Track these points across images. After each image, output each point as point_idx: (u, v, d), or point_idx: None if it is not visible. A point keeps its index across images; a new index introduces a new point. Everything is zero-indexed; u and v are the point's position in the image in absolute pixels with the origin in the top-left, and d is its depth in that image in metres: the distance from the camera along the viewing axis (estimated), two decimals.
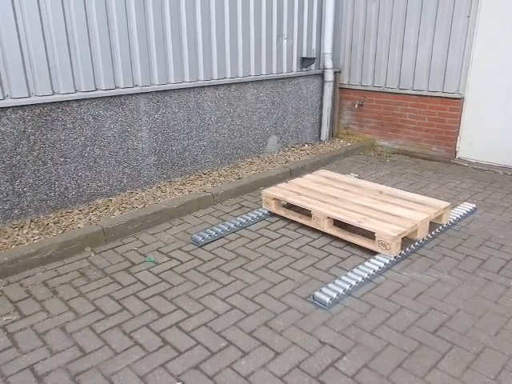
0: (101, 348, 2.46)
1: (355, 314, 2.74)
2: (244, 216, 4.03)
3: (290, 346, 2.46)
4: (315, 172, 4.65)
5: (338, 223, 3.66)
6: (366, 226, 3.37)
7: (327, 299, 2.78)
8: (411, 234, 3.48)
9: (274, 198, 4.04)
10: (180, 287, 3.03)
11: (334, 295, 2.82)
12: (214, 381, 2.23)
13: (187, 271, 3.24)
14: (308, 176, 4.51)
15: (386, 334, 2.55)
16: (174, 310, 2.78)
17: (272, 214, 4.16)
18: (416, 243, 3.50)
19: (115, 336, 2.56)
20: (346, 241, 3.62)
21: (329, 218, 3.61)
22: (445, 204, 3.76)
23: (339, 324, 2.64)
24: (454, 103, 5.44)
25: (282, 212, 4.06)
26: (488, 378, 2.23)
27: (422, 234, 3.54)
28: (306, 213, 3.88)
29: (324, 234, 3.76)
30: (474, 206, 4.25)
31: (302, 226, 3.92)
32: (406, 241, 3.51)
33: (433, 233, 3.69)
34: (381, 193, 4.01)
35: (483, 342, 2.48)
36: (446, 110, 5.53)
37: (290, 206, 4.20)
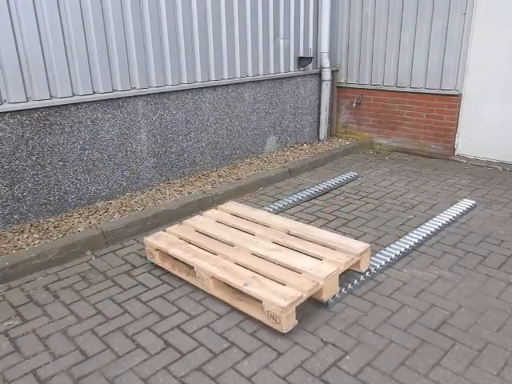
0: (103, 351, 2.46)
1: (357, 312, 2.74)
2: None
3: (293, 346, 2.46)
4: (222, 206, 3.82)
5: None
6: (252, 290, 2.62)
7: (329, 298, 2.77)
8: (316, 294, 2.73)
9: (158, 249, 3.24)
10: (181, 289, 3.03)
11: (337, 294, 2.82)
12: (217, 382, 2.23)
13: None
14: (211, 213, 3.69)
15: (388, 332, 2.55)
16: (176, 312, 2.78)
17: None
18: (325, 304, 2.78)
19: (117, 339, 2.55)
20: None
21: (213, 277, 2.86)
22: (361, 248, 2.99)
23: (341, 323, 2.64)
24: (452, 100, 5.45)
25: (167, 265, 3.23)
26: (491, 374, 2.23)
27: (330, 292, 2.77)
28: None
29: None
30: (474, 202, 4.25)
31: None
32: (311, 300, 2.82)
33: (349, 287, 2.93)
34: (288, 233, 3.27)
35: (485, 338, 2.48)
36: (443, 107, 5.54)
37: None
